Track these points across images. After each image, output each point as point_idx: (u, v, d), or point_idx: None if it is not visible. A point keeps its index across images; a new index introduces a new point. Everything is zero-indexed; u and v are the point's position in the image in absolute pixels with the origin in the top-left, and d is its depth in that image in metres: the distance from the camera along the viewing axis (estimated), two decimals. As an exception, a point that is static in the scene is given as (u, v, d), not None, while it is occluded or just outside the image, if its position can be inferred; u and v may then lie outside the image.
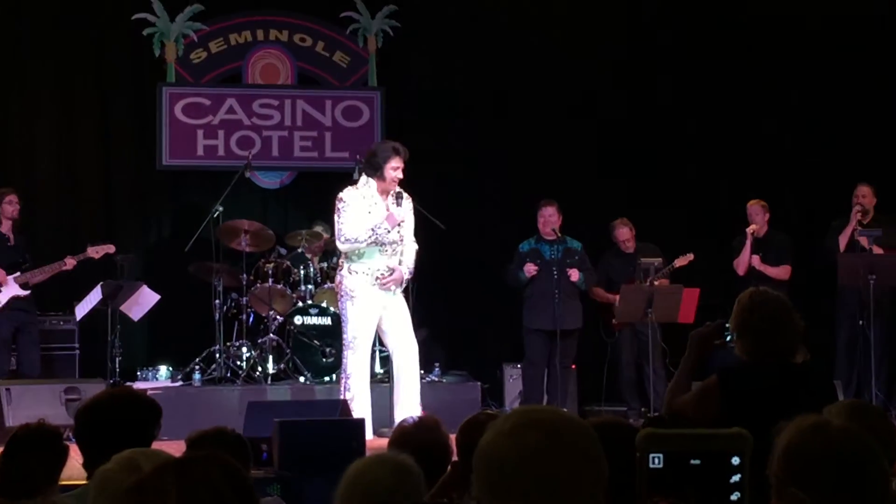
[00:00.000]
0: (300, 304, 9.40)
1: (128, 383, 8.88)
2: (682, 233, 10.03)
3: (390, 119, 10.77)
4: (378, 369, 9.12)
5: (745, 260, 9.36)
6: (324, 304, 9.31)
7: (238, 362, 9.24)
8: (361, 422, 6.43)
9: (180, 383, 9.18)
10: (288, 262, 9.60)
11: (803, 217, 10.38)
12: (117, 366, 9.08)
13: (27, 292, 8.92)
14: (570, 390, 9.34)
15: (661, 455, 2.30)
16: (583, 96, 10.69)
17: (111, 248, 9.22)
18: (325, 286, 9.40)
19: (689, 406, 3.98)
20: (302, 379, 9.13)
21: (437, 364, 9.55)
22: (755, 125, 10.74)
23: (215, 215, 9.38)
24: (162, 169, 10.62)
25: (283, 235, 9.87)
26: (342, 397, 7.55)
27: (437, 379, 9.43)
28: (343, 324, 7.81)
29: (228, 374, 9.09)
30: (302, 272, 9.53)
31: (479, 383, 9.24)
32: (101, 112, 10.51)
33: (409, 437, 3.72)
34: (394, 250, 7.72)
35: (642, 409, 9.37)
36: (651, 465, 2.30)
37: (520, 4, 10.75)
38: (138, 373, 9.56)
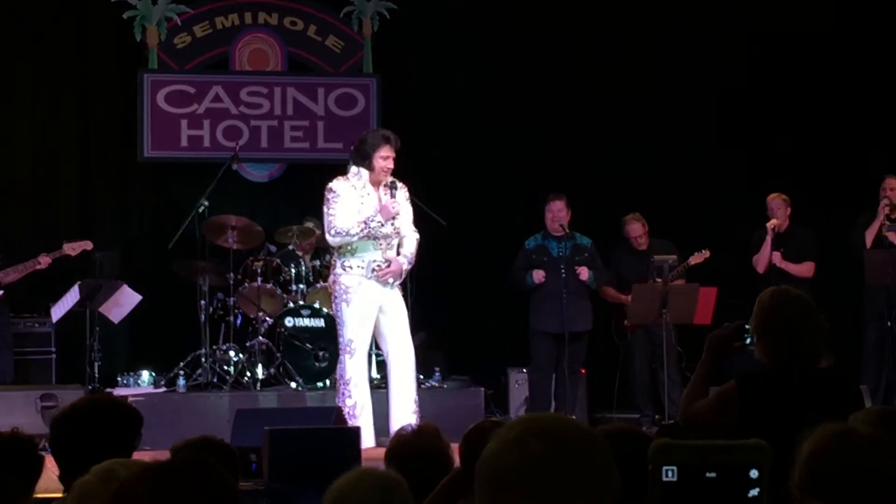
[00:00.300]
0: (291, 304, 9.40)
1: (107, 390, 8.89)
2: (698, 228, 10.02)
3: (386, 108, 10.77)
4: (375, 374, 9.12)
5: (766, 257, 9.36)
6: (316, 305, 9.31)
7: (225, 367, 9.23)
8: (357, 430, 6.44)
9: (163, 389, 9.18)
10: (278, 260, 9.60)
11: (827, 211, 10.38)
12: (96, 371, 9.08)
13: None
14: (580, 397, 9.34)
15: (674, 468, 2.30)
16: (592, 84, 10.68)
17: (89, 245, 9.22)
18: (318, 286, 9.40)
19: (705, 414, 3.98)
20: (293, 385, 9.13)
21: (437, 369, 9.55)
22: (775, 114, 10.74)
23: (200, 210, 9.37)
24: (143, 161, 10.61)
25: (272, 232, 9.86)
26: (341, 405, 7.55)
27: (437, 385, 9.43)
28: (339, 327, 7.80)
29: (215, 380, 9.09)
30: (293, 271, 9.53)
31: (482, 389, 9.24)
32: (78, 101, 10.51)
33: (407, 446, 3.73)
34: (389, 244, 7.71)
35: (656, 417, 9.38)
36: (664, 479, 2.30)
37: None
38: (119, 378, 9.57)
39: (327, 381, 9.03)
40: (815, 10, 10.57)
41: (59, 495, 3.19)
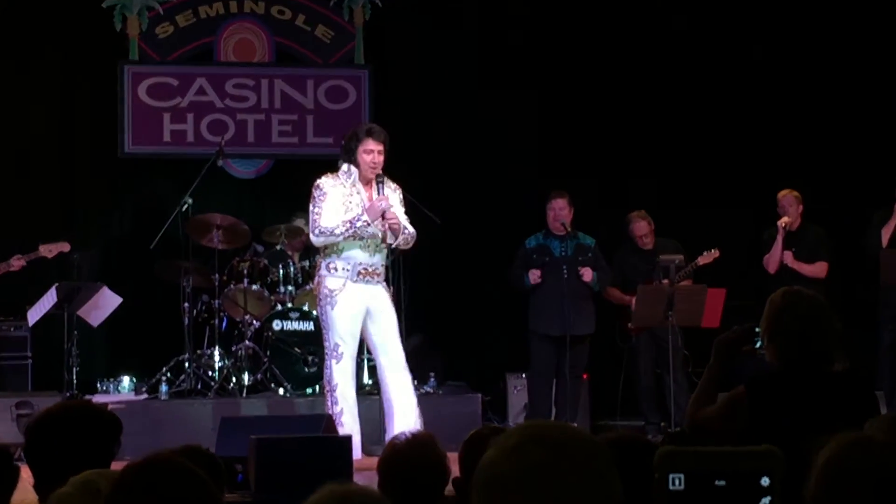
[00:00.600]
0: (279, 307, 9.40)
1: (86, 396, 8.87)
2: (706, 227, 10.03)
3: (379, 101, 10.77)
4: (366, 380, 9.12)
5: (777, 256, 9.37)
6: (305, 308, 9.31)
7: (210, 373, 9.23)
8: (348, 439, 6.43)
9: (145, 396, 9.18)
10: (265, 261, 9.60)
11: (841, 209, 10.38)
12: (74, 377, 9.08)
13: (-27, 296, 8.94)
14: (581, 403, 9.36)
15: (681, 475, 2.30)
16: (596, 73, 10.69)
17: (66, 247, 9.21)
18: (307, 287, 9.39)
19: (713, 420, 3.98)
20: (281, 391, 9.13)
21: (432, 374, 9.55)
22: (787, 107, 10.76)
23: (184, 208, 9.37)
24: (124, 157, 10.62)
25: (259, 231, 9.86)
26: (328, 412, 7.53)
27: (432, 391, 9.43)
28: (324, 330, 7.77)
29: (199, 386, 9.08)
30: (281, 272, 9.53)
31: (479, 395, 9.24)
32: (55, 94, 10.51)
33: (401, 455, 3.72)
34: (377, 246, 7.67)
35: (662, 424, 9.38)
36: (671, 487, 2.30)
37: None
38: (98, 385, 9.56)
39: (316, 388, 9.03)
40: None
41: (35, 506, 3.19)
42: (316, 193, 7.66)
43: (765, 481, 2.32)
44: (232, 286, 9.44)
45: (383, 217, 7.54)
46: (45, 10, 10.46)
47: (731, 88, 10.77)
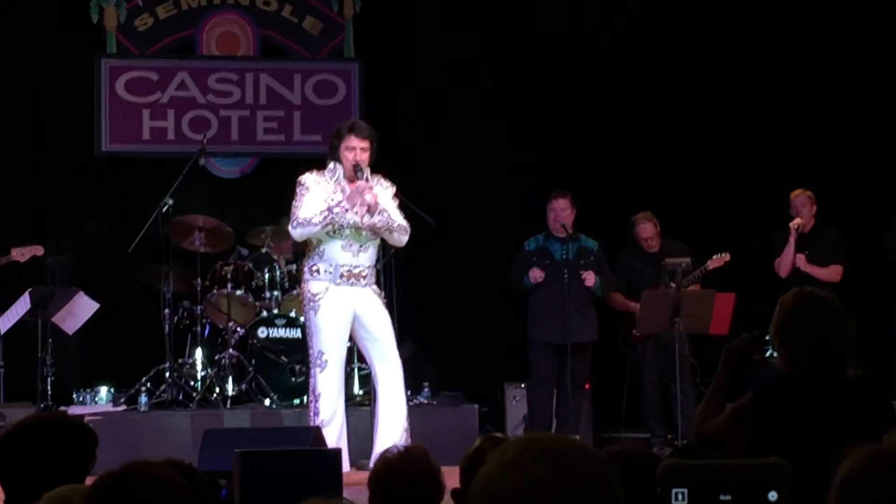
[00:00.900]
0: (264, 313, 9.40)
1: (62, 407, 8.87)
2: (715, 228, 10.04)
3: (370, 96, 10.78)
4: (357, 390, 9.12)
5: (789, 259, 9.37)
6: (292, 314, 9.30)
7: (192, 383, 9.23)
8: (338, 453, 6.42)
9: (123, 407, 9.17)
10: (250, 265, 9.60)
11: (856, 209, 10.40)
12: (49, 387, 9.08)
13: (-59, 302, 8.93)
14: (584, 414, 9.37)
15: (685, 490, 2.30)
16: (599, 68, 10.69)
17: (40, 250, 9.20)
18: (294, 292, 9.39)
19: (721, 431, 3.97)
20: (267, 402, 9.13)
21: (426, 384, 9.55)
22: (799, 105, 10.77)
23: (164, 210, 9.36)
24: (101, 155, 10.62)
25: (243, 233, 9.86)
26: (312, 423, 7.52)
27: (426, 401, 9.43)
28: (309, 337, 7.77)
29: (180, 397, 9.08)
30: (266, 276, 9.53)
31: (476, 406, 9.24)
32: (28, 89, 10.50)
33: (393, 470, 3.71)
34: (360, 246, 7.64)
35: (668, 437, 9.39)
36: (674, 502, 2.30)
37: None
38: (74, 395, 9.54)
39: (304, 398, 9.00)
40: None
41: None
42: (298, 189, 7.68)
43: (772, 496, 2.32)
44: (215, 291, 9.44)
45: (369, 210, 7.49)
46: (17, 3, 10.45)
47: (741, 84, 10.78)
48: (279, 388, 9.19)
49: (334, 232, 7.56)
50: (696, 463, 2.38)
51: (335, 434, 7.50)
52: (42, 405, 8.84)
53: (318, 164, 7.89)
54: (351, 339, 7.82)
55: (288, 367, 9.22)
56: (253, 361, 9.21)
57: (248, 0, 10.89)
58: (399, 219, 7.72)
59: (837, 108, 10.76)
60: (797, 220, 9.41)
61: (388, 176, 7.83)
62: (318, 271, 7.64)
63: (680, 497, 2.30)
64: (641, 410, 9.64)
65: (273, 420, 8.82)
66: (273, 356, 9.23)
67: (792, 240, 9.38)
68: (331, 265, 7.61)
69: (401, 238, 7.75)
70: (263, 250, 9.72)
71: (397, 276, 9.07)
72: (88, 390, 9.61)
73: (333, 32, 10.97)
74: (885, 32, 10.66)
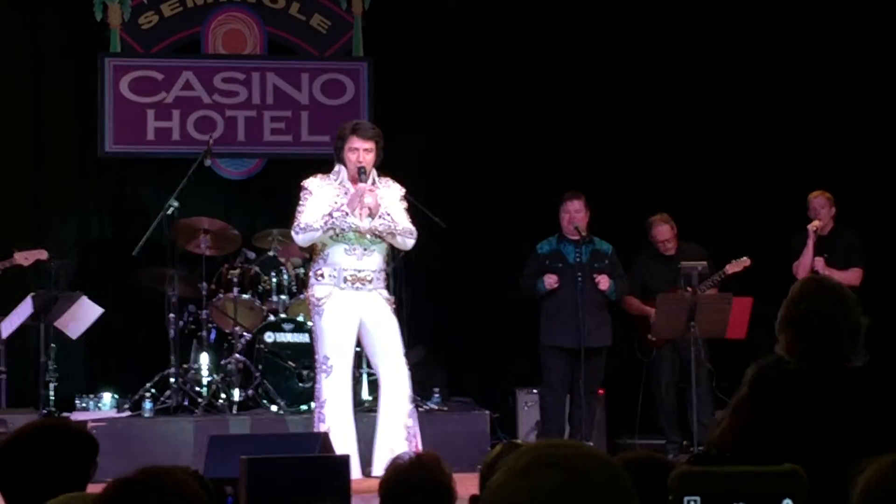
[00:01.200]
0: (272, 318, 9.40)
1: (64, 414, 8.89)
2: (732, 231, 10.03)
3: (379, 95, 10.77)
4: (365, 396, 9.11)
5: (808, 262, 9.35)
6: (300, 319, 9.30)
7: (197, 388, 9.23)
8: (346, 459, 6.42)
9: (127, 414, 9.17)
10: (256, 268, 9.60)
11: (875, 211, 10.38)
12: (51, 393, 9.09)
13: (-58, 306, 8.95)
14: (597, 420, 9.36)
15: (697, 498, 2.30)
16: (612, 70, 10.69)
17: (43, 254, 9.22)
18: (301, 296, 9.39)
19: (725, 433, 3.89)
20: (274, 408, 9.13)
21: (436, 389, 9.54)
22: (817, 105, 10.75)
23: (169, 212, 9.37)
24: (105, 156, 10.62)
25: (250, 236, 9.87)
26: (317, 430, 7.53)
27: (436, 407, 9.41)
28: (314, 342, 7.79)
29: (186, 403, 9.08)
30: (273, 280, 9.54)
31: (487, 412, 9.23)
32: (30, 89, 10.51)
33: (404, 477, 3.71)
34: (364, 250, 7.64)
35: (684, 443, 9.38)
36: (687, 510, 2.30)
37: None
38: (77, 401, 9.56)
39: (312, 404, 8.99)
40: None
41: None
42: (301, 194, 7.71)
43: (787, 503, 2.31)
44: (221, 295, 9.44)
45: (371, 213, 7.49)
46: (19, 1, 10.47)
47: (759, 85, 10.78)
48: (286, 393, 9.19)
49: (337, 236, 7.57)
50: (709, 470, 2.38)
51: (342, 440, 7.51)
52: (44, 411, 8.85)
53: (327, 166, 7.89)
54: (359, 343, 7.83)
55: (295, 372, 9.22)
56: (260, 367, 9.21)
57: (254, -2, 10.91)
58: (404, 222, 7.71)
59: (856, 110, 10.75)
60: (816, 223, 9.39)
61: (396, 177, 7.83)
62: (322, 276, 7.66)
63: (692, 504, 2.30)
64: (656, 416, 9.63)
65: (280, 426, 8.82)
66: (280, 361, 9.23)
67: (810, 242, 9.35)
68: (335, 269, 7.63)
69: (405, 242, 7.75)
70: (270, 253, 9.72)
71: (407, 279, 9.07)
72: (92, 396, 9.63)
73: (342, 30, 10.97)
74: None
